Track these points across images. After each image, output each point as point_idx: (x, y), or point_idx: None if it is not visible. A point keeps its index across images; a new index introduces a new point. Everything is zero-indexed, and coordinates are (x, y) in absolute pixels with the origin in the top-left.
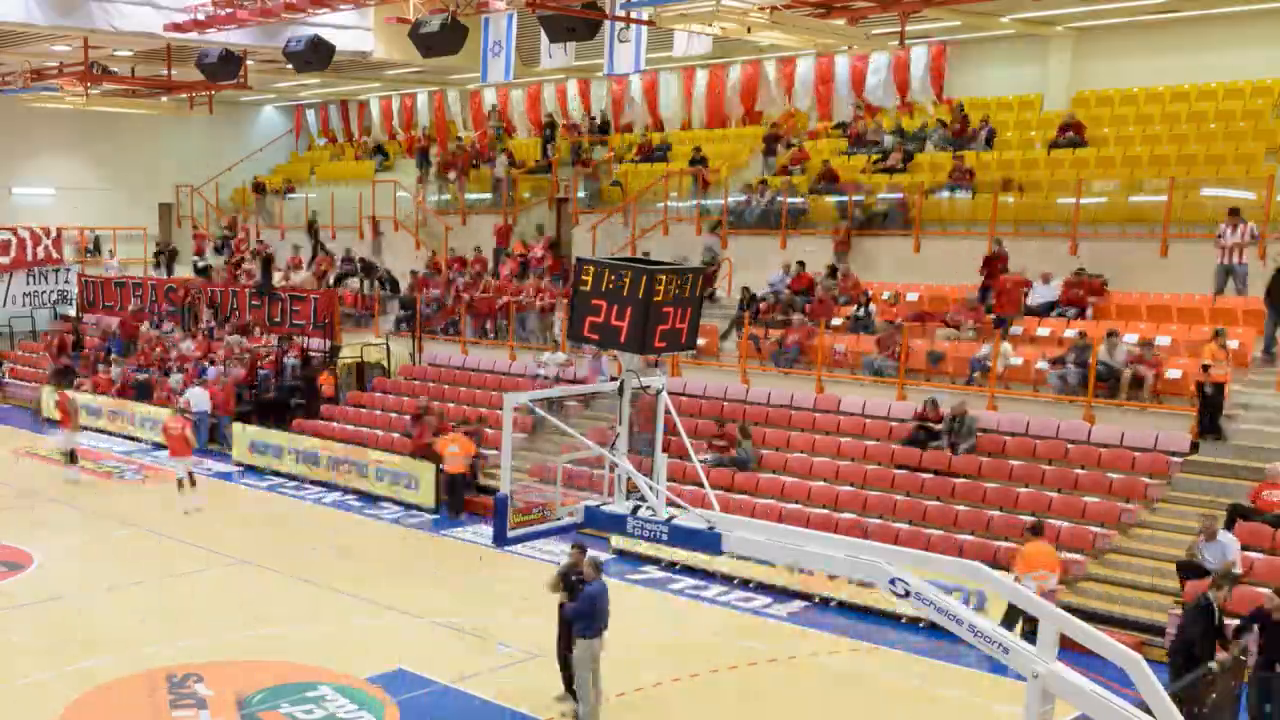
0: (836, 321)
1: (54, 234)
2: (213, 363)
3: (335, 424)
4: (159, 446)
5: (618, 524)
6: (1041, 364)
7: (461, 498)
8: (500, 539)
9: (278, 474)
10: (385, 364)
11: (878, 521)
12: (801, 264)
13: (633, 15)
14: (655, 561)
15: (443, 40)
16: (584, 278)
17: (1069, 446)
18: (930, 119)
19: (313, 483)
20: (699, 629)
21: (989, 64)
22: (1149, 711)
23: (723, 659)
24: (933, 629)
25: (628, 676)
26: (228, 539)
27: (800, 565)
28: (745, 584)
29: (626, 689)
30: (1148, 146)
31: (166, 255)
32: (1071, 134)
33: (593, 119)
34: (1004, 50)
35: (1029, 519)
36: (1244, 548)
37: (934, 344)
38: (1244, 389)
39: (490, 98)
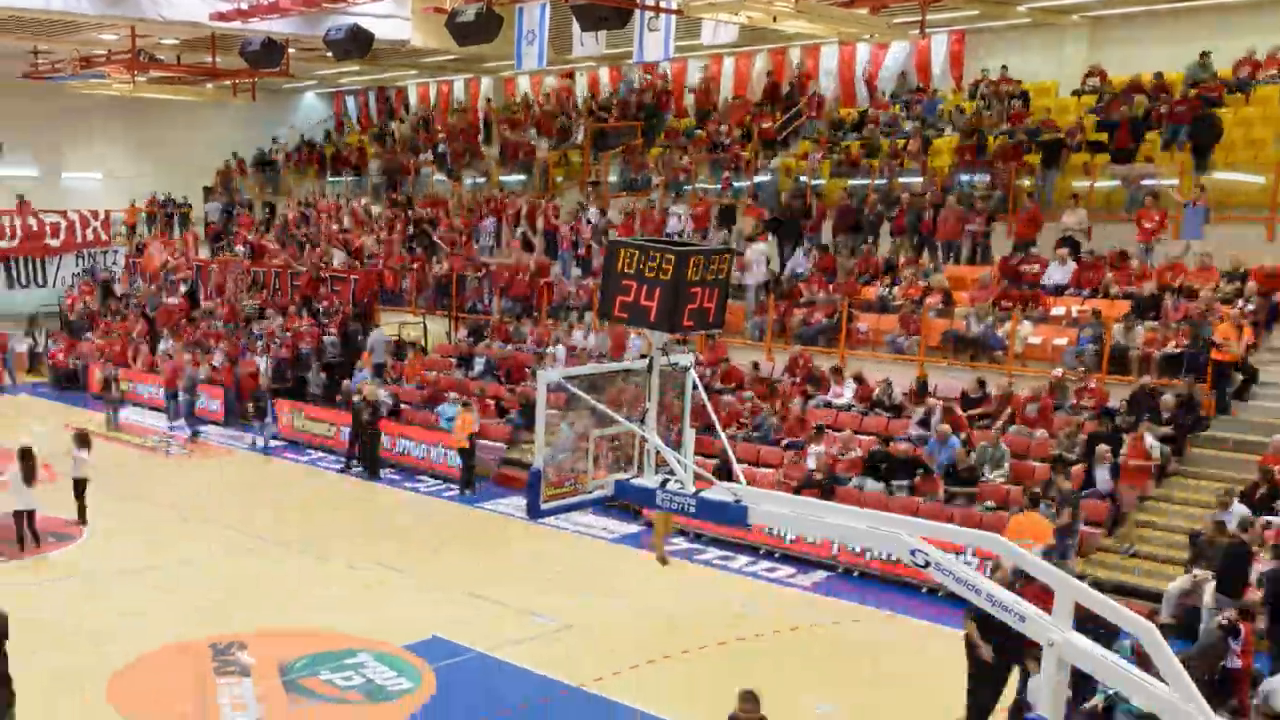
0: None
1: (102, 216)
2: (258, 339)
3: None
4: (204, 421)
5: (647, 497)
6: (1059, 340)
7: (469, 472)
8: (534, 511)
9: (319, 449)
10: (423, 342)
11: (900, 495)
12: (825, 247)
13: (662, 4)
14: (683, 533)
15: (478, 29)
16: (615, 258)
17: (1083, 423)
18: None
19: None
20: (726, 598)
21: (1006, 53)
22: (1161, 678)
23: (749, 627)
24: (951, 598)
25: (658, 643)
26: (267, 512)
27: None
28: (770, 554)
29: (656, 655)
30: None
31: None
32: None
33: (625, 102)
34: (1020, 39)
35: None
36: None
37: (953, 323)
38: (1255, 366)
39: (524, 84)
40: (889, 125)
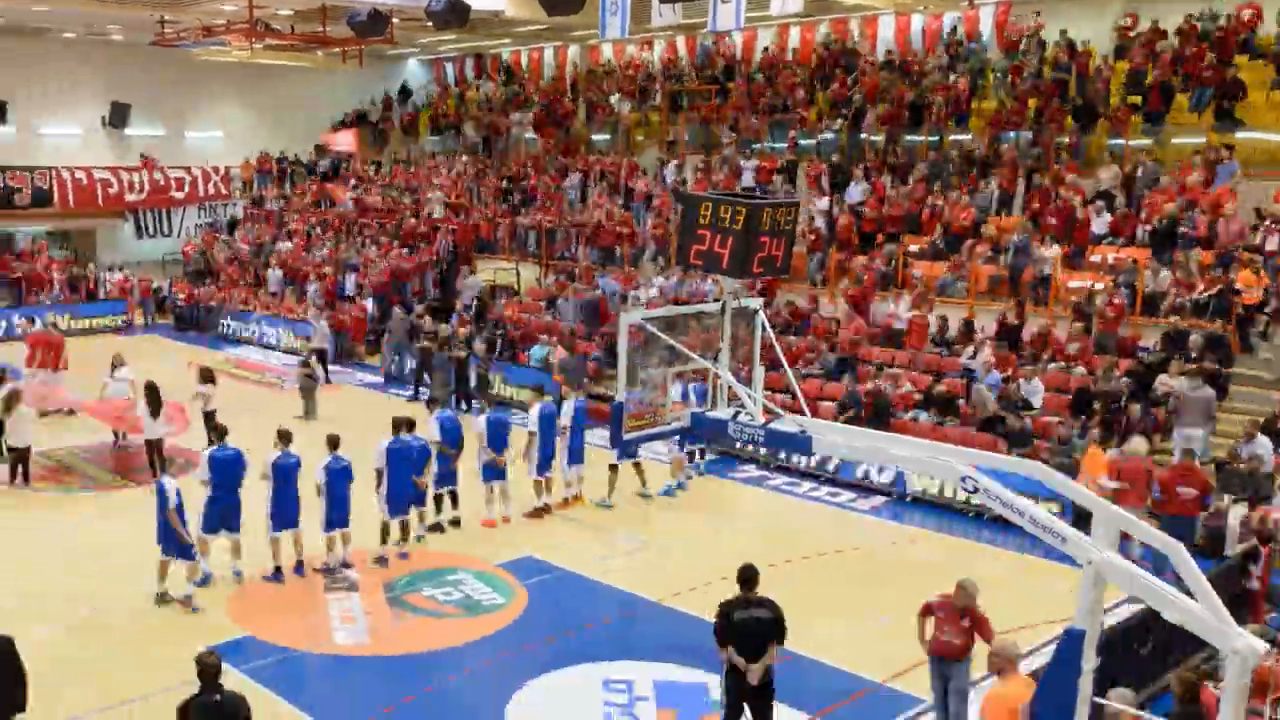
0: (913, 248)
1: (222, 172)
2: (355, 270)
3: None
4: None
5: (720, 428)
6: (1098, 285)
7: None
8: (616, 441)
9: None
10: (515, 286)
11: (953, 425)
12: (881, 199)
13: None
14: (753, 461)
15: (566, 1)
16: (692, 211)
17: (1119, 360)
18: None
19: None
20: (792, 521)
21: (1049, 19)
22: (1189, 593)
23: (813, 547)
24: (997, 521)
25: (730, 561)
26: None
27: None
28: (832, 480)
29: (729, 573)
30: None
31: None
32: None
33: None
34: (1064, 8)
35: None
36: None
37: (998, 269)
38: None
39: (607, 51)
40: (939, 73)
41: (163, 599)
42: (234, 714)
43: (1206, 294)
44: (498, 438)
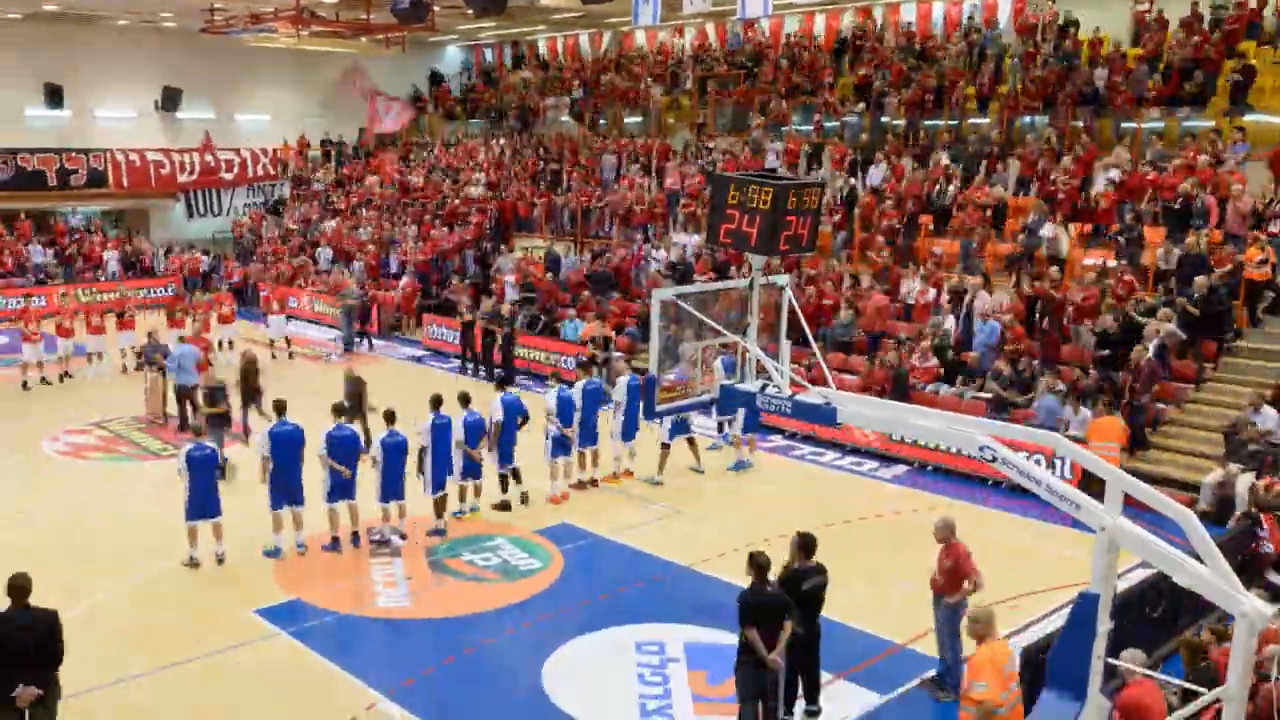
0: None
1: (270, 153)
2: (394, 245)
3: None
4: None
5: (748, 400)
6: (1111, 263)
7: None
8: (649, 412)
9: (459, 356)
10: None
11: (970, 397)
12: (899, 179)
13: None
14: (780, 431)
15: None
16: (720, 191)
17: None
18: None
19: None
20: (818, 489)
21: (1062, 6)
22: (1199, 558)
23: (838, 514)
24: (1013, 489)
25: (758, 528)
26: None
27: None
28: (855, 450)
29: (756, 539)
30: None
31: None
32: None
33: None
34: None
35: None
36: None
37: (1014, 246)
38: None
39: (640, 38)
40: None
41: (192, 563)
42: (39, 628)
43: (1219, 271)
44: (566, 413)
